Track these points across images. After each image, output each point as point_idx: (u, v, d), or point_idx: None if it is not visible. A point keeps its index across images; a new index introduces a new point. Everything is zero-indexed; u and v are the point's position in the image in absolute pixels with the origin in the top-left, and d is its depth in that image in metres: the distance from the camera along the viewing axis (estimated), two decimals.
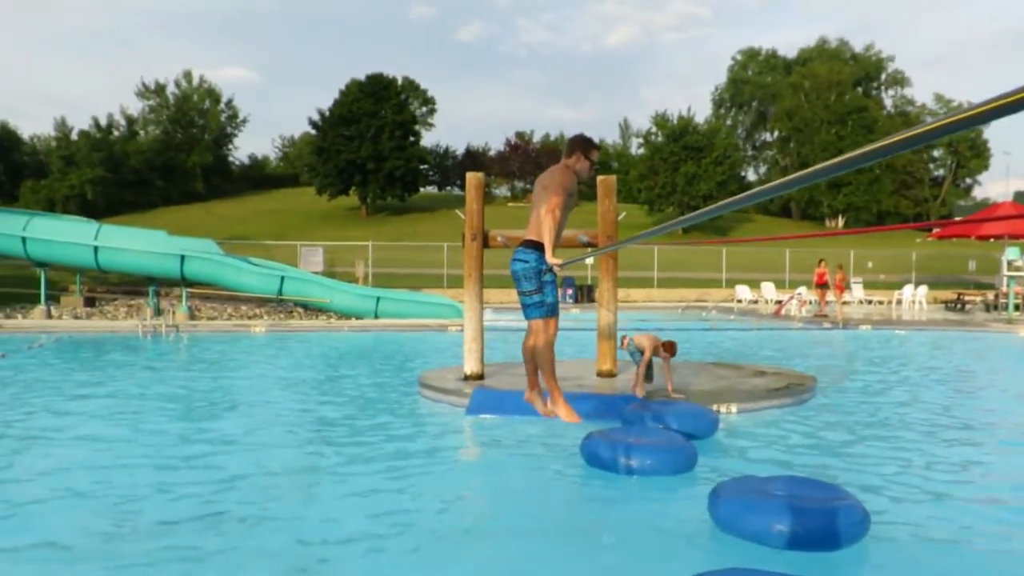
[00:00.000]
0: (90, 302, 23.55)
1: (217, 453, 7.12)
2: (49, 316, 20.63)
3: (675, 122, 55.61)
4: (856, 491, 5.58)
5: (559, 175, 4.80)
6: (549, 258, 4.69)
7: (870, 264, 34.77)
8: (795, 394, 9.50)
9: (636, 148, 69.87)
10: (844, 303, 24.09)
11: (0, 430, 7.94)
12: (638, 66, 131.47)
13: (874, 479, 6.23)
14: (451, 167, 74.69)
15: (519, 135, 78.96)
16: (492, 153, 72.28)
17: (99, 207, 51.83)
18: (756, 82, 76.86)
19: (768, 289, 28.51)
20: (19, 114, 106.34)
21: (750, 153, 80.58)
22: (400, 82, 62.25)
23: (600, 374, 10.28)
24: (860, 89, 72.42)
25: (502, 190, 74.24)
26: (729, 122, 78.27)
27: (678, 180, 51.68)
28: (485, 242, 10.10)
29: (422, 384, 10.10)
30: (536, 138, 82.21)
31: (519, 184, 72.20)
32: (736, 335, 19.16)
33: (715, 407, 8.79)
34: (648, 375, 8.98)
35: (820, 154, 62.51)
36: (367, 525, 5.08)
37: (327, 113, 54.13)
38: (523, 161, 68.34)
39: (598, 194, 10.27)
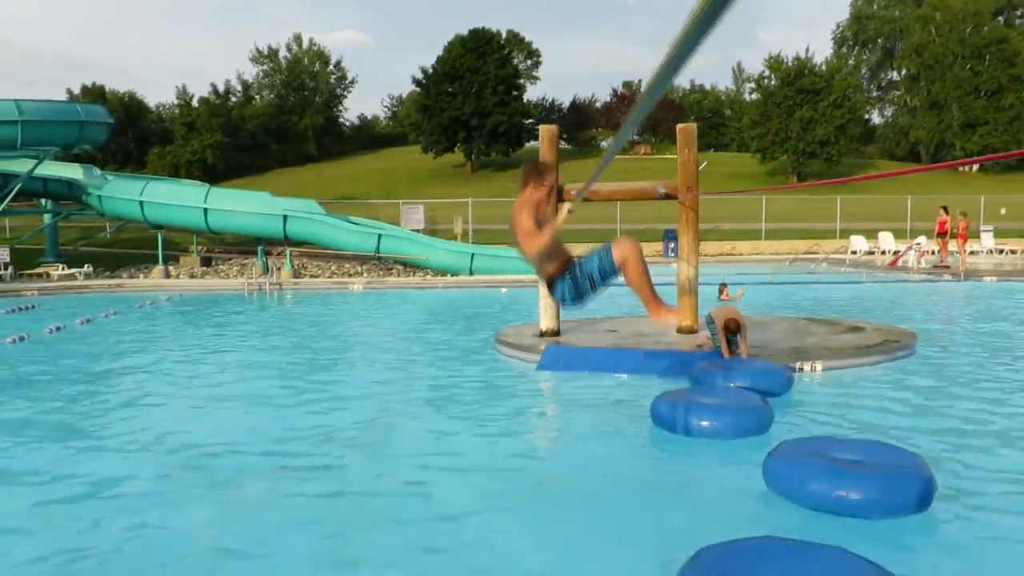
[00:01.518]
0: (206, 262, 24.74)
1: (304, 404, 7.37)
2: (167, 276, 21.84)
3: (790, 64, 52.68)
4: (931, 459, 5.14)
5: (516, 216, 4.58)
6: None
7: (1003, 211, 32.11)
8: (890, 352, 8.88)
9: (749, 94, 66.75)
10: (969, 253, 22.40)
11: (107, 379, 8.49)
12: (754, 6, 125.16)
13: (952, 448, 5.72)
14: (557, 120, 73.87)
15: (626, 85, 77.02)
16: (599, 104, 70.88)
17: (219, 170, 54.30)
18: (882, 17, 71.66)
19: (886, 239, 26.87)
20: (146, 84, 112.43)
21: (875, 94, 75.62)
22: (504, 36, 61.71)
23: (680, 330, 9.93)
24: (1001, 19, 66.44)
25: (609, 141, 72.87)
26: (851, 62, 73.52)
27: (793, 126, 49.07)
28: (560, 196, 9.84)
29: (498, 341, 10.07)
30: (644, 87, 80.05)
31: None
32: (844, 288, 18.16)
33: (797, 365, 8.34)
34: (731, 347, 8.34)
35: (953, 92, 57.92)
36: (433, 476, 5.29)
37: (431, 71, 54.36)
38: (630, 111, 66.79)
39: (677, 143, 9.81)
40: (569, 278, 4.59)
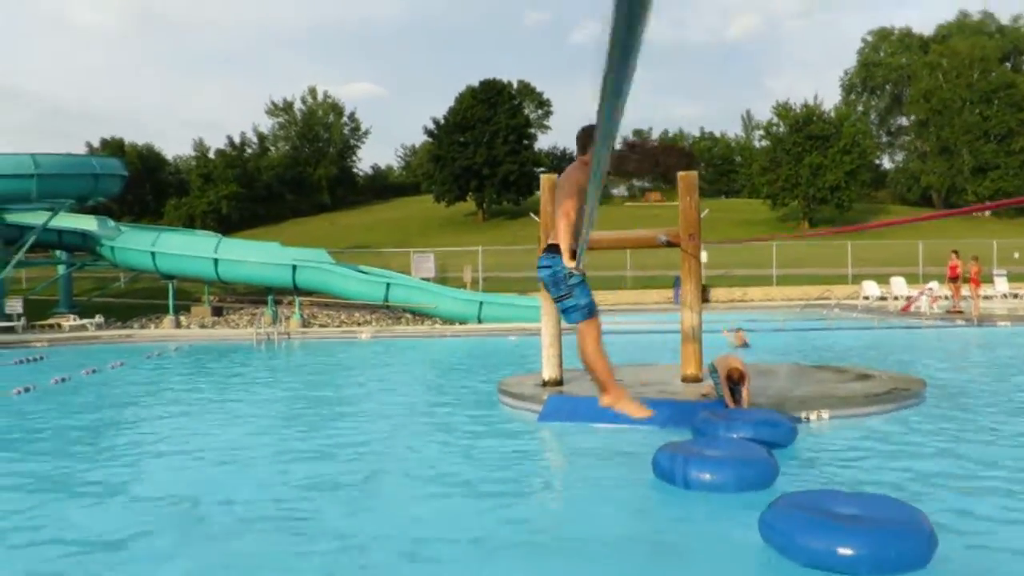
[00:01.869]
0: (217, 311, 24.85)
1: (299, 458, 7.29)
2: (177, 326, 21.94)
3: (798, 111, 53.12)
4: (935, 514, 4.99)
5: (574, 173, 4.53)
6: (565, 261, 4.43)
7: (1016, 255, 31.90)
8: (898, 400, 8.72)
9: (759, 140, 67.25)
10: (982, 298, 22.17)
11: (109, 431, 8.46)
12: (761, 56, 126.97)
13: (958, 503, 5.55)
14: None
15: (636, 133, 77.84)
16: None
17: (234, 221, 55.04)
18: (889, 64, 72.39)
19: (898, 285, 26.71)
20: (163, 137, 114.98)
21: (884, 139, 75.98)
22: (515, 86, 62.69)
23: (685, 379, 9.81)
24: (1008, 64, 66.91)
25: (620, 190, 73.40)
26: (860, 108, 74.09)
27: (802, 172, 49.29)
28: None
29: (501, 391, 9.97)
30: (655, 135, 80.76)
31: (636, 183, 71.19)
32: (856, 335, 17.98)
33: (803, 414, 8.19)
34: (735, 397, 8.22)
35: (963, 136, 58.07)
36: (427, 530, 5.16)
37: (442, 121, 55.21)
38: (642, 158, 67.30)
39: (679, 191, 9.82)
40: (563, 270, 4.53)
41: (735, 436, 6.97)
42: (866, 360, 13.08)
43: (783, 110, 54.19)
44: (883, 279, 27.93)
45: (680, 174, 9.78)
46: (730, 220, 52.26)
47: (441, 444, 7.98)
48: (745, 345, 15.32)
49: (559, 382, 9.84)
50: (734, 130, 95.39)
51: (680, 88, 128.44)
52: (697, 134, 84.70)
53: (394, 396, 11.08)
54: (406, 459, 7.41)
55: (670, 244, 9.68)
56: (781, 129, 53.85)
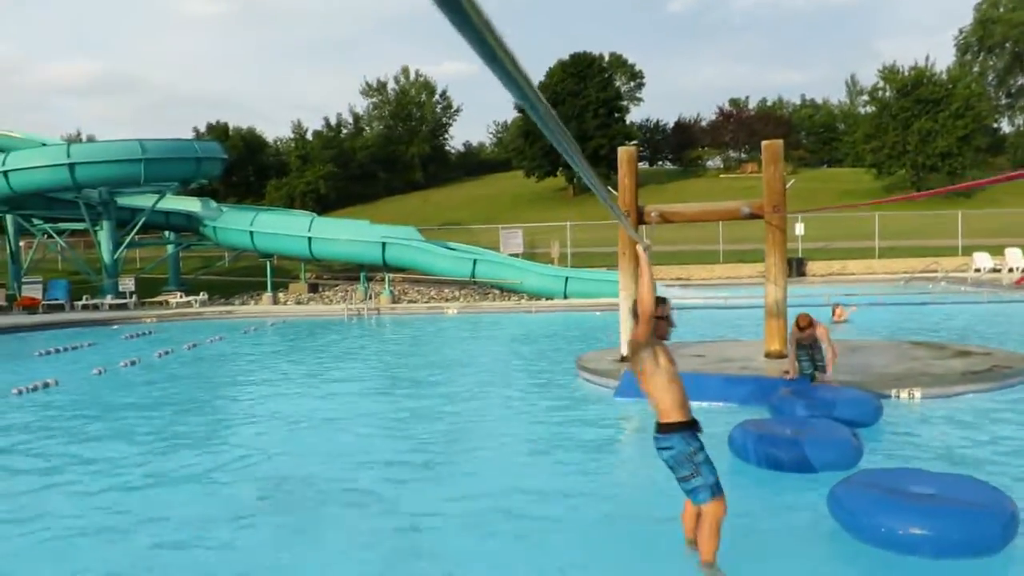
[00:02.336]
0: (313, 288, 25.66)
1: (382, 428, 7.53)
2: (275, 302, 22.79)
3: (906, 74, 50.22)
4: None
5: (633, 340, 4.40)
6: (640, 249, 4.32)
7: None
8: (998, 379, 8.22)
9: (864, 107, 64.12)
10: None
11: (204, 401, 8.93)
12: (868, 18, 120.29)
13: None
14: (661, 141, 73.03)
15: (733, 102, 75.45)
16: (704, 123, 69.70)
17: (331, 200, 56.53)
18: (1009, 20, 67.34)
19: (1013, 256, 25.07)
20: (265, 119, 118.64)
21: (1004, 101, 71.04)
22: (606, 59, 61.69)
23: (768, 355, 9.52)
24: None
25: (715, 161, 71.45)
26: (976, 69, 69.47)
27: (910, 138, 46.69)
28: (641, 218, 9.68)
29: (579, 366, 9.94)
30: (752, 103, 78.10)
31: (732, 155, 69.15)
32: (961, 309, 17.00)
33: (894, 392, 7.84)
34: (814, 363, 7.91)
35: None
36: (499, 500, 5.33)
37: None
38: (736, 129, 65.28)
39: (762, 160, 9.47)
40: (684, 450, 4.20)
41: (813, 413, 6.74)
42: (970, 336, 12.38)
43: (890, 73, 51.35)
44: (996, 250, 26.26)
45: (764, 143, 9.44)
46: (832, 191, 50.15)
47: (518, 417, 8.07)
48: (845, 322, 14.72)
49: None
50: (838, 96, 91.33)
51: (780, 54, 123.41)
52: (798, 102, 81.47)
53: (475, 369, 11.21)
54: (483, 428, 7.54)
55: (753, 216, 9.37)
56: (887, 93, 51.08)
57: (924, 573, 3.91)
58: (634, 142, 66.26)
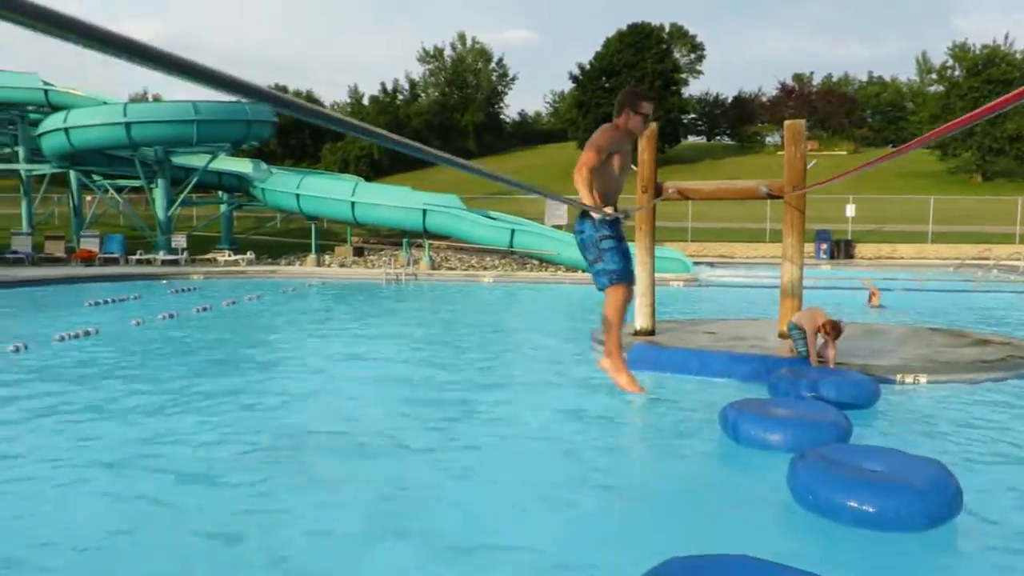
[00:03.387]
0: (358, 252, 26.16)
1: (402, 387, 7.88)
2: (319, 264, 23.36)
3: (978, 52, 48.30)
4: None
5: (597, 134, 4.47)
6: (595, 212, 4.44)
7: None
8: (1009, 368, 8.12)
9: (931, 85, 61.83)
10: None
11: (230, 357, 9.40)
12: None
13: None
14: (719, 115, 71.75)
15: (796, 77, 73.47)
16: (765, 99, 68.16)
17: (384, 166, 57.21)
18: None
19: None
20: (322, 82, 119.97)
21: None
22: (667, 29, 60.71)
23: (782, 335, 9.53)
24: None
25: (774, 137, 69.91)
26: None
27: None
28: (659, 192, 9.74)
29: (593, 338, 10.10)
30: (816, 79, 75.94)
31: None
32: (1004, 298, 16.60)
33: (899, 376, 7.83)
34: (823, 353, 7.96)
35: None
36: (491, 461, 5.66)
37: (587, 67, 54.53)
38: (798, 105, 63.63)
39: (784, 139, 9.42)
40: (591, 234, 4.45)
41: (809, 394, 6.81)
42: (1005, 326, 12.14)
43: (960, 52, 49.45)
44: None
45: (787, 123, 9.38)
46: (894, 171, 48.74)
47: (528, 384, 8.33)
48: (879, 307, 14.52)
49: (651, 331, 9.85)
50: (907, 73, 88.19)
51: (850, 28, 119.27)
52: (864, 78, 78.94)
53: (496, 337, 11.48)
54: (490, 394, 7.78)
55: (771, 196, 9.35)
56: (957, 72, 49.26)
57: (869, 545, 4.03)
58: (691, 115, 65.26)
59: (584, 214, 4.49)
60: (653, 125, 9.81)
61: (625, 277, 4.47)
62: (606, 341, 4.62)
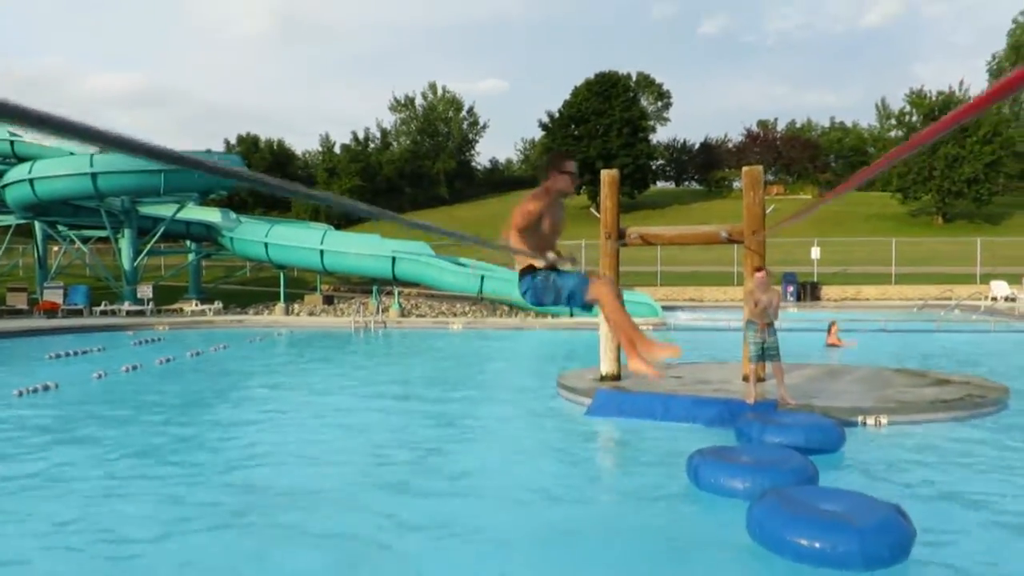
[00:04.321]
0: (328, 300, 26.07)
1: (362, 437, 7.78)
2: (287, 313, 23.20)
3: (934, 98, 49.89)
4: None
5: (526, 199, 4.47)
6: (538, 260, 4.45)
7: None
8: (969, 408, 8.23)
9: (893, 130, 63.60)
10: None
11: (192, 409, 9.24)
12: (901, 43, 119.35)
13: (998, 517, 5.26)
14: (687, 161, 73.09)
15: (761, 124, 75.24)
16: (731, 145, 69.64)
17: (354, 214, 57.32)
18: None
19: None
20: (293, 131, 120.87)
21: None
22: (634, 78, 61.97)
23: (746, 378, 9.59)
24: None
25: (740, 182, 71.27)
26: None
27: (936, 163, 46.30)
28: (621, 236, 9.84)
29: (559, 383, 10.09)
30: (780, 125, 77.79)
31: None
32: (967, 338, 16.88)
33: (860, 418, 7.90)
34: (764, 349, 8.28)
35: None
36: (457, 511, 5.55)
37: (556, 114, 55.39)
38: (763, 151, 65.06)
39: (743, 186, 9.60)
40: (539, 280, 4.43)
41: (776, 440, 6.83)
42: (967, 365, 12.33)
43: (917, 98, 51.08)
44: (1016, 279, 25.99)
45: (744, 169, 9.58)
46: (859, 214, 49.83)
47: (493, 432, 8.26)
48: (837, 346, 14.71)
49: (617, 376, 9.86)
50: (868, 120, 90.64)
51: (812, 76, 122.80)
52: (827, 124, 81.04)
53: (463, 384, 11.41)
54: (456, 440, 7.71)
55: (731, 240, 9.49)
56: (915, 118, 50.77)
57: None
58: (659, 161, 66.38)
59: (522, 273, 4.43)
60: (614, 172, 9.97)
61: (585, 279, 4.35)
62: (624, 338, 4.32)
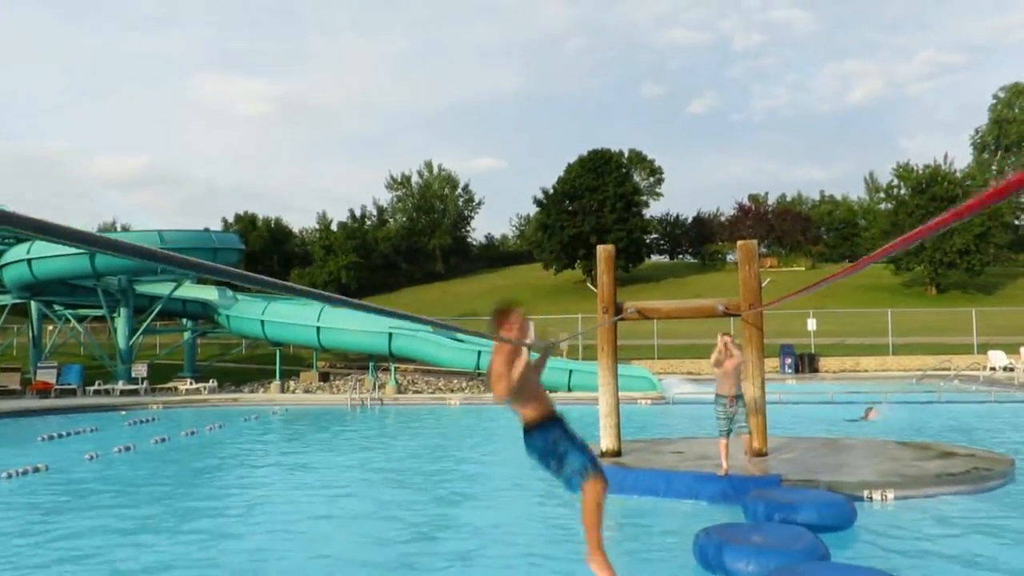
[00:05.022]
0: (324, 377, 25.88)
1: (359, 522, 7.62)
2: (283, 390, 23.00)
3: (921, 172, 50.82)
4: None
5: (494, 362, 4.40)
6: (531, 346, 4.40)
7: None
8: (975, 481, 8.12)
9: (879, 204, 64.59)
10: None
11: (186, 490, 9.06)
12: (886, 118, 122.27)
13: None
14: (680, 235, 73.85)
15: (752, 197, 76.36)
16: (723, 218, 70.51)
17: (352, 290, 57.39)
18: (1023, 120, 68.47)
19: None
20: (291, 210, 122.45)
21: (1023, 199, 71.22)
22: (626, 155, 63.20)
23: (747, 452, 9.47)
24: None
25: (734, 255, 71.92)
26: (994, 167, 70.12)
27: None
28: (618, 311, 9.86)
29: None
30: (771, 199, 78.97)
31: None
32: (967, 409, 16.75)
33: (866, 493, 7.77)
34: (732, 422, 8.29)
35: None
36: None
37: (551, 190, 56.19)
38: (755, 224, 65.82)
39: (738, 260, 9.68)
40: (549, 442, 4.17)
41: (787, 518, 6.68)
42: (968, 436, 12.21)
43: (904, 171, 51.99)
44: (1013, 348, 25.95)
45: (740, 243, 9.68)
46: (851, 286, 50.07)
47: (488, 512, 8.09)
48: (872, 420, 14.61)
49: (617, 452, 9.74)
50: (857, 192, 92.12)
51: (801, 152, 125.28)
52: (817, 197, 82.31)
53: (461, 462, 11.26)
54: (449, 524, 7.56)
55: (728, 313, 9.52)
56: (903, 191, 51.60)
57: None
58: (653, 235, 67.07)
59: (528, 427, 4.31)
60: (610, 247, 10.07)
61: (594, 463, 4.21)
62: (589, 540, 4.27)
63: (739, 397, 8.30)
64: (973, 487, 8.04)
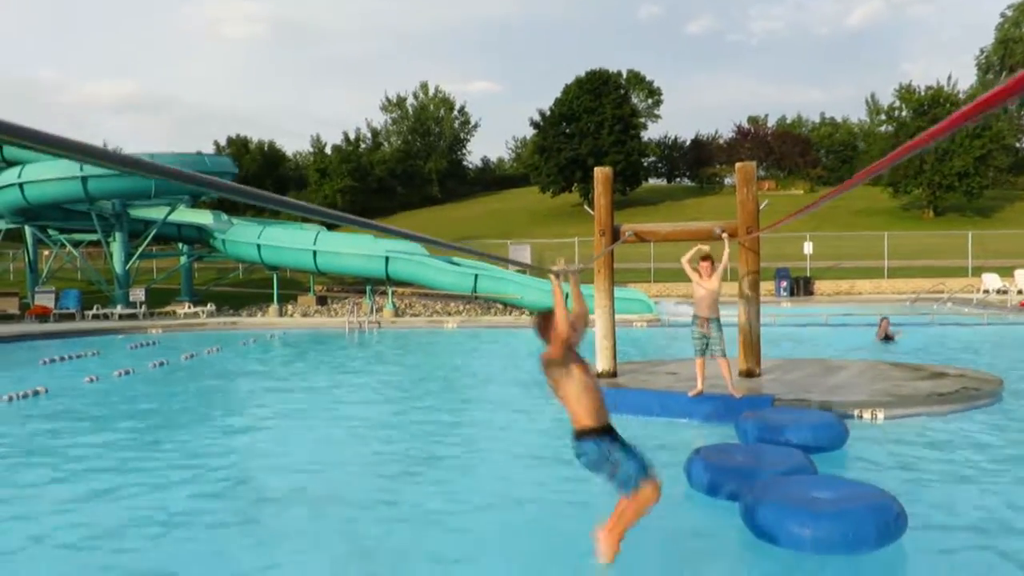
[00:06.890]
0: (322, 300, 25.94)
1: (354, 437, 7.76)
2: (281, 314, 23.12)
3: (923, 93, 50.04)
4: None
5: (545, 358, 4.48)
6: (556, 273, 4.50)
7: None
8: (965, 400, 8.26)
9: (880, 126, 63.74)
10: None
11: (184, 412, 9.20)
12: (893, 39, 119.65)
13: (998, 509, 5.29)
14: (678, 158, 73.11)
15: (751, 120, 75.32)
16: (722, 141, 69.67)
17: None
18: None
19: (1022, 278, 24.82)
20: (284, 133, 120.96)
21: None
22: (624, 76, 61.96)
23: (740, 374, 9.60)
24: None
25: (732, 179, 71.32)
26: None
27: (926, 158, 46.42)
28: (616, 237, 9.83)
29: None
30: (771, 121, 77.91)
31: None
32: (960, 331, 16.92)
33: (857, 412, 7.91)
34: (708, 343, 8.37)
35: None
36: (451, 507, 5.64)
37: (548, 112, 55.36)
38: (754, 147, 65.11)
39: (736, 182, 9.60)
40: (603, 450, 4.23)
41: (779, 439, 6.75)
42: (961, 358, 12.35)
43: (906, 93, 51.16)
44: (1007, 272, 26.04)
45: (738, 165, 9.58)
46: (848, 209, 49.92)
47: (484, 430, 8.25)
48: (888, 339, 14.71)
49: (613, 373, 9.85)
50: (858, 115, 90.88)
51: (801, 74, 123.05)
52: (817, 120, 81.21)
53: (458, 384, 11.41)
54: (447, 444, 7.69)
55: (725, 236, 9.48)
56: (904, 113, 50.92)
57: (818, 568, 4.04)
58: (651, 158, 66.39)
59: (578, 436, 4.32)
60: (607, 169, 9.97)
61: (647, 470, 4.25)
62: (613, 527, 4.35)
63: (712, 320, 8.31)
64: (961, 406, 8.18)
